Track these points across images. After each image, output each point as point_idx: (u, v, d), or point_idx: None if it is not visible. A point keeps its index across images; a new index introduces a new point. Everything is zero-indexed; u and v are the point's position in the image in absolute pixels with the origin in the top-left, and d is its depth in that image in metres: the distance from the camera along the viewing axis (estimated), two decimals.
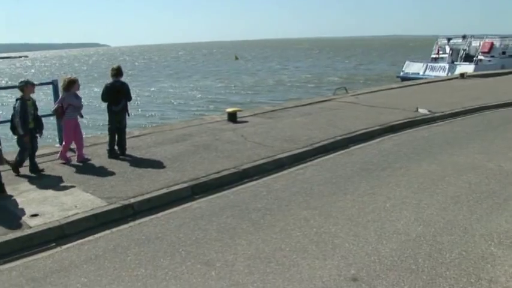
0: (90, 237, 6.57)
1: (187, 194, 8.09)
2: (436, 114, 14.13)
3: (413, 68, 37.22)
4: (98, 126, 21.21)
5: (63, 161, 9.57)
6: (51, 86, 10.86)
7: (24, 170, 9.07)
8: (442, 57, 37.99)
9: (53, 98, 10.68)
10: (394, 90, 20.71)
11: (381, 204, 7.36)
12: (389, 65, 66.91)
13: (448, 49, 37.73)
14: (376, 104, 15.84)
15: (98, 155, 9.81)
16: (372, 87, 23.85)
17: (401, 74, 37.66)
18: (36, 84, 9.33)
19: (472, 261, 5.53)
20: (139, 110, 30.52)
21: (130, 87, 10.35)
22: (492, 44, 35.72)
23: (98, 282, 5.35)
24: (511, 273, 5.25)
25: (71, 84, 9.47)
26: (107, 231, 6.75)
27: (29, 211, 7.11)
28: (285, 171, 9.34)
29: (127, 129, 10.55)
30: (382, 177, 8.71)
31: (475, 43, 36.39)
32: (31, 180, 8.61)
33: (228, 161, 9.42)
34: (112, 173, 8.89)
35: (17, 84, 8.92)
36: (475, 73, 28.50)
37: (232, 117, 13.68)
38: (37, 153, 9.32)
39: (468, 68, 31.91)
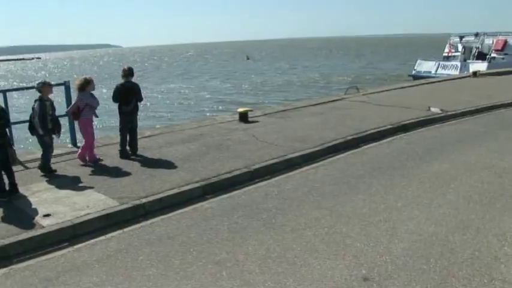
0: (102, 237, 6.62)
1: (199, 194, 8.11)
2: (448, 113, 14.03)
3: (425, 66, 36.99)
4: (108, 127, 21.33)
5: (83, 163, 9.57)
6: (62, 87, 10.94)
7: (37, 170, 9.15)
8: (454, 56, 37.70)
9: (64, 99, 10.75)
10: (406, 89, 20.58)
11: (392, 204, 7.34)
12: (399, 64, 66.56)
13: (460, 47, 37.40)
14: (387, 103, 15.77)
15: (110, 155, 9.86)
16: (383, 86, 23.73)
17: (413, 72, 37.46)
18: (54, 85, 9.39)
19: (484, 261, 5.49)
20: (149, 111, 30.60)
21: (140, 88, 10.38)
22: (506, 41, 35.32)
23: (109, 282, 5.39)
24: None
25: (87, 84, 9.50)
26: (119, 231, 6.79)
27: (41, 211, 7.17)
28: (296, 171, 9.33)
29: (138, 130, 10.59)
30: (393, 177, 8.68)
31: (488, 41, 36.04)
32: (43, 180, 8.68)
33: (239, 161, 9.43)
34: (124, 173, 8.93)
35: (27, 85, 8.99)
36: (488, 71, 28.22)
37: (244, 117, 13.68)
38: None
39: (481, 66, 31.62)
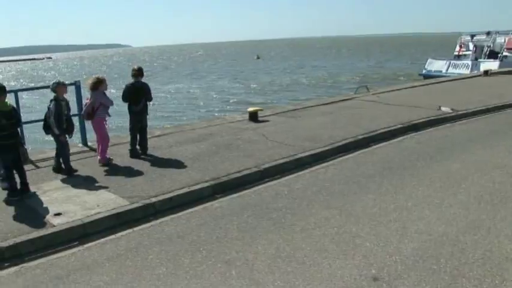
0: (112, 236, 6.65)
1: (209, 193, 8.12)
2: (459, 113, 13.95)
3: (435, 65, 36.75)
4: (118, 126, 21.38)
5: (103, 163, 9.54)
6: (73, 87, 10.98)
7: (48, 169, 9.22)
8: (465, 55, 37.43)
9: (74, 99, 10.79)
10: (416, 88, 20.48)
11: (402, 204, 7.31)
12: (408, 63, 66.30)
13: (471, 46, 37.11)
14: (397, 103, 15.70)
15: (120, 155, 9.90)
16: (393, 86, 23.65)
17: (424, 71, 37.24)
18: (68, 84, 9.42)
19: (496, 261, 5.45)
20: (157, 111, 30.64)
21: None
22: None
23: (119, 281, 5.41)
24: None
25: (99, 84, 9.50)
26: (129, 230, 6.82)
27: (52, 210, 7.22)
28: (306, 171, 9.32)
29: (148, 129, 10.62)
30: (404, 177, 8.64)
31: (500, 39, 35.70)
32: (54, 179, 8.73)
33: (249, 161, 9.44)
34: (134, 173, 8.97)
35: (36, 85, 9.03)
36: (500, 70, 27.98)
37: (254, 117, 13.68)
38: (55, 154, 9.46)
39: (492, 65, 31.36)
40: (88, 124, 10.23)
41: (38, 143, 18.11)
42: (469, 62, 34.30)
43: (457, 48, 38.76)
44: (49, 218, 6.95)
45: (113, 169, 9.23)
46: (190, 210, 7.48)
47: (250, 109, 14.20)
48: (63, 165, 9.04)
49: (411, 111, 13.97)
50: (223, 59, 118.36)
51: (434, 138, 11.44)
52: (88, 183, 8.47)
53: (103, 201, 7.52)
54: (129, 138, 10.31)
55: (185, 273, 5.50)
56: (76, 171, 9.05)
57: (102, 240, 6.56)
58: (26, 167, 8.40)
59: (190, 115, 29.31)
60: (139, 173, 8.93)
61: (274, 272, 5.41)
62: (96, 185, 8.34)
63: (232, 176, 8.65)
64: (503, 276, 5.13)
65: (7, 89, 8.03)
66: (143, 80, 10.25)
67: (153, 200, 7.58)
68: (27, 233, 6.45)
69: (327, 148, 10.35)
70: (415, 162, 9.47)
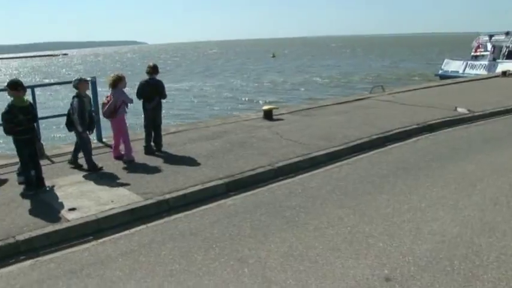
0: (126, 232, 6.69)
1: (222, 190, 8.14)
2: (476, 114, 13.82)
3: (452, 66, 36.46)
4: (131, 123, 21.48)
5: (131, 159, 9.57)
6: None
7: (63, 165, 9.30)
8: (483, 55, 37.03)
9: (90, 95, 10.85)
10: (432, 88, 20.31)
11: (416, 204, 7.27)
12: (423, 64, 65.76)
13: (489, 46, 36.69)
14: (413, 103, 15.60)
15: (135, 151, 9.94)
16: (409, 86, 23.50)
17: (440, 72, 36.97)
18: (88, 80, 9.46)
19: (511, 264, 5.39)
20: (170, 108, 30.69)
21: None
22: None
23: (132, 276, 5.45)
24: None
25: (119, 81, 9.51)
26: (142, 226, 6.86)
27: (67, 205, 7.29)
28: (320, 170, 9.30)
29: (163, 126, 10.67)
30: (418, 177, 8.59)
31: None
32: (69, 174, 8.81)
33: (263, 159, 9.44)
34: (148, 169, 9.02)
35: (50, 81, 9.09)
36: None
37: (268, 115, 13.68)
38: (70, 149, 9.55)
39: (511, 65, 31.01)
40: (104, 121, 10.27)
41: (50, 139, 18.30)
42: (487, 63, 33.95)
43: (474, 48, 38.37)
44: (64, 212, 7.02)
45: (127, 165, 9.29)
46: (203, 207, 7.51)
47: (265, 107, 14.20)
48: (85, 162, 9.07)
49: (427, 112, 13.87)
50: (238, 56, 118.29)
51: (450, 139, 11.35)
52: (102, 179, 8.53)
53: (117, 197, 7.57)
54: (143, 135, 10.36)
55: (198, 270, 5.52)
56: (101, 168, 9.07)
57: (116, 235, 6.60)
58: (42, 162, 8.48)
59: (203, 113, 29.33)
60: (153, 170, 8.97)
61: (287, 271, 5.41)
62: (111, 180, 8.40)
63: (246, 173, 8.66)
64: None
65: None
66: (158, 77, 10.28)
67: (167, 196, 7.61)
68: (43, 227, 6.52)
69: (341, 147, 10.32)
70: (429, 163, 9.41)
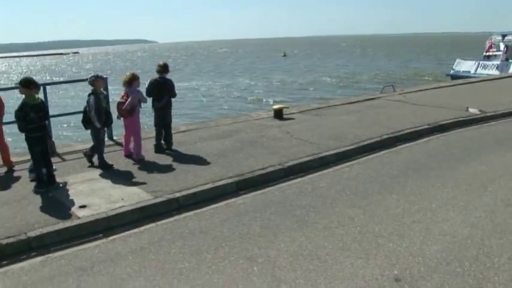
0: (136, 230, 6.72)
1: (232, 189, 8.15)
2: (488, 114, 13.72)
3: (464, 66, 36.17)
4: (142, 122, 21.55)
5: (141, 158, 9.59)
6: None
7: (73, 162, 9.35)
8: (495, 55, 36.73)
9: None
10: (443, 89, 20.20)
11: (427, 205, 7.23)
12: (434, 63, 65.35)
13: (502, 46, 36.38)
14: (424, 103, 15.52)
15: (145, 150, 9.98)
16: (420, 86, 23.40)
17: (452, 72, 36.69)
18: (103, 77, 9.48)
19: None
20: (178, 108, 30.62)
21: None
22: None
23: (142, 274, 5.47)
24: None
25: (134, 80, 9.55)
26: (152, 224, 6.88)
27: (77, 202, 7.33)
28: (330, 169, 9.28)
29: (173, 125, 10.69)
30: (429, 178, 8.55)
31: None
32: (80, 172, 8.86)
33: (274, 158, 9.44)
34: (158, 168, 9.05)
35: (59, 80, 9.12)
36: None
37: (279, 114, 13.68)
38: (85, 146, 9.58)
39: None
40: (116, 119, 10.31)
41: (58, 138, 18.39)
42: (499, 63, 33.68)
43: (486, 48, 38.07)
44: (74, 210, 7.06)
45: (137, 163, 9.33)
46: (213, 206, 7.52)
47: (276, 107, 14.19)
48: (97, 160, 9.12)
49: (438, 112, 13.80)
50: (247, 55, 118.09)
51: (461, 140, 11.29)
52: (113, 177, 8.56)
53: (127, 195, 7.60)
54: (154, 134, 10.40)
55: (207, 268, 5.53)
56: (112, 166, 9.10)
57: (126, 233, 6.63)
58: (53, 160, 8.54)
59: (212, 112, 29.26)
60: (163, 168, 9.00)
61: (296, 270, 5.41)
62: (121, 178, 8.44)
63: (257, 172, 8.66)
64: None
65: None
66: (168, 76, 10.29)
67: (177, 195, 7.63)
68: (53, 224, 6.57)
69: (352, 147, 10.30)
70: (440, 163, 9.36)
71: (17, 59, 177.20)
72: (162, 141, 10.28)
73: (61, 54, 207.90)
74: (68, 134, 22.84)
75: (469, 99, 15.95)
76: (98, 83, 8.88)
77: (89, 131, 9.07)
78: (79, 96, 33.15)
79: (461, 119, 13.03)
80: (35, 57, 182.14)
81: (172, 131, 10.57)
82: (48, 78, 66.47)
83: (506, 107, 14.62)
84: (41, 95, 8.64)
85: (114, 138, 11.18)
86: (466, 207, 7.12)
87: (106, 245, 6.29)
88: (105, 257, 5.93)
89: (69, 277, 5.46)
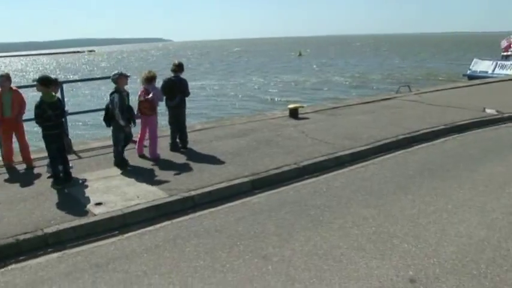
0: (151, 228, 6.76)
1: (247, 188, 8.16)
2: (505, 115, 13.57)
3: (481, 66, 35.76)
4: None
5: (156, 157, 9.65)
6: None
7: (89, 160, 9.43)
8: None
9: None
10: (460, 89, 20.04)
11: (442, 206, 7.19)
12: (448, 63, 64.70)
13: None
14: (440, 103, 15.41)
15: (160, 148, 10.02)
16: (436, 86, 23.24)
17: (468, 72, 36.32)
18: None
19: None
20: (190, 108, 30.57)
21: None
22: None
23: (157, 271, 5.50)
24: None
25: (152, 78, 9.65)
26: (167, 222, 6.92)
27: (93, 199, 7.40)
28: (346, 169, 9.26)
29: (189, 123, 10.70)
30: (445, 178, 8.49)
31: None
32: (96, 170, 8.92)
33: (289, 157, 9.44)
34: (173, 166, 9.08)
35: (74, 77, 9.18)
36: None
37: (294, 114, 13.67)
38: (101, 144, 9.64)
39: None
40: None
41: (78, 136, 18.51)
42: None
43: (505, 47, 37.61)
44: (90, 207, 7.13)
45: (152, 162, 9.37)
46: (228, 204, 7.55)
47: (291, 106, 14.18)
48: (114, 157, 9.19)
49: (454, 112, 13.70)
50: (261, 55, 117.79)
51: (478, 140, 11.20)
52: (128, 174, 8.63)
53: (143, 193, 7.65)
54: (169, 132, 10.44)
55: (222, 267, 5.55)
56: (127, 164, 9.16)
57: (141, 230, 6.67)
58: (69, 157, 8.62)
59: (225, 111, 29.06)
60: (179, 166, 9.04)
61: (311, 269, 5.41)
62: (136, 176, 8.49)
63: (272, 172, 8.67)
64: None
65: None
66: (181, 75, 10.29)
67: (192, 193, 7.66)
68: (70, 221, 6.63)
69: (367, 147, 10.26)
70: (457, 164, 9.30)
71: (34, 57, 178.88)
72: (177, 140, 10.32)
73: (77, 52, 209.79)
74: (83, 132, 22.99)
75: (486, 100, 15.80)
76: (121, 80, 8.92)
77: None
78: (93, 95, 33.52)
79: (478, 119, 12.91)
80: (51, 55, 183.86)
81: (188, 130, 10.60)
82: (62, 76, 66.98)
83: None
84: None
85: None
86: (483, 208, 7.06)
87: (121, 242, 6.33)
88: (120, 254, 5.98)
89: (85, 273, 5.52)
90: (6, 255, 5.96)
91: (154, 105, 9.57)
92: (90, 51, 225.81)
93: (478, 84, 21.93)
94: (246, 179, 8.29)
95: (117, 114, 8.74)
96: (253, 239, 6.25)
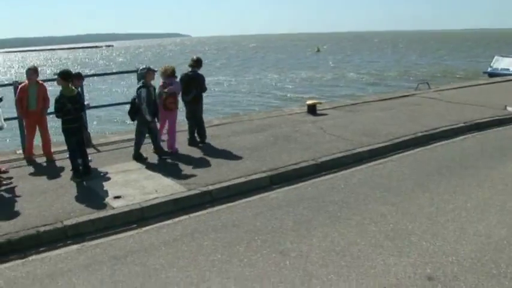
0: (169, 221, 6.81)
1: (266, 183, 8.18)
2: None
3: (503, 63, 35.15)
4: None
5: (174, 151, 9.72)
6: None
7: (107, 154, 9.50)
8: None
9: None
10: (480, 86, 19.79)
11: (461, 204, 7.13)
12: (467, 60, 63.85)
13: None
14: (460, 101, 15.26)
15: (179, 142, 10.06)
16: (455, 83, 23.00)
17: (489, 69, 35.77)
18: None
19: None
20: (211, 103, 30.55)
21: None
22: None
23: (175, 265, 5.54)
24: None
25: (172, 72, 9.70)
26: (185, 216, 6.97)
27: (112, 193, 7.47)
28: (363, 166, 9.23)
29: (207, 118, 10.73)
30: (464, 176, 8.42)
31: None
32: (115, 163, 9.00)
33: (307, 153, 9.43)
34: (192, 160, 9.13)
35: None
36: None
37: (312, 110, 13.66)
38: (120, 138, 9.70)
39: None
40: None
41: (98, 129, 18.61)
42: None
43: None
44: (109, 200, 7.20)
45: (171, 156, 9.42)
46: (246, 199, 7.57)
47: (309, 102, 14.18)
48: (133, 151, 9.27)
49: (474, 110, 13.56)
50: (279, 51, 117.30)
51: (498, 139, 11.07)
52: (147, 168, 8.69)
53: (161, 187, 7.70)
54: (187, 127, 10.48)
55: (239, 261, 5.57)
56: (146, 158, 9.25)
57: (159, 224, 6.73)
58: (88, 151, 8.71)
59: (241, 107, 29.03)
60: (197, 161, 9.08)
61: (328, 265, 5.41)
62: (155, 170, 8.55)
63: (290, 167, 8.67)
64: None
65: None
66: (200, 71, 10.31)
67: (210, 187, 7.70)
68: (88, 214, 6.71)
69: (385, 144, 10.21)
70: (476, 163, 9.21)
71: (52, 52, 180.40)
72: (196, 135, 10.36)
73: (95, 47, 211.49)
74: (102, 127, 23.12)
75: (507, 98, 15.60)
76: (149, 75, 9.01)
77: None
78: (106, 90, 33.55)
79: (499, 117, 12.76)
80: (71, 50, 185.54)
81: (206, 125, 10.64)
82: (79, 70, 67.42)
83: None
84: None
85: None
86: (503, 207, 6.99)
87: (140, 236, 6.39)
88: (138, 247, 6.03)
89: (103, 265, 5.58)
90: (27, 246, 6.05)
91: (177, 99, 9.62)
92: (109, 45, 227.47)
93: (499, 81, 21.63)
94: (264, 174, 8.30)
95: (144, 109, 8.81)
96: (270, 234, 6.27)
